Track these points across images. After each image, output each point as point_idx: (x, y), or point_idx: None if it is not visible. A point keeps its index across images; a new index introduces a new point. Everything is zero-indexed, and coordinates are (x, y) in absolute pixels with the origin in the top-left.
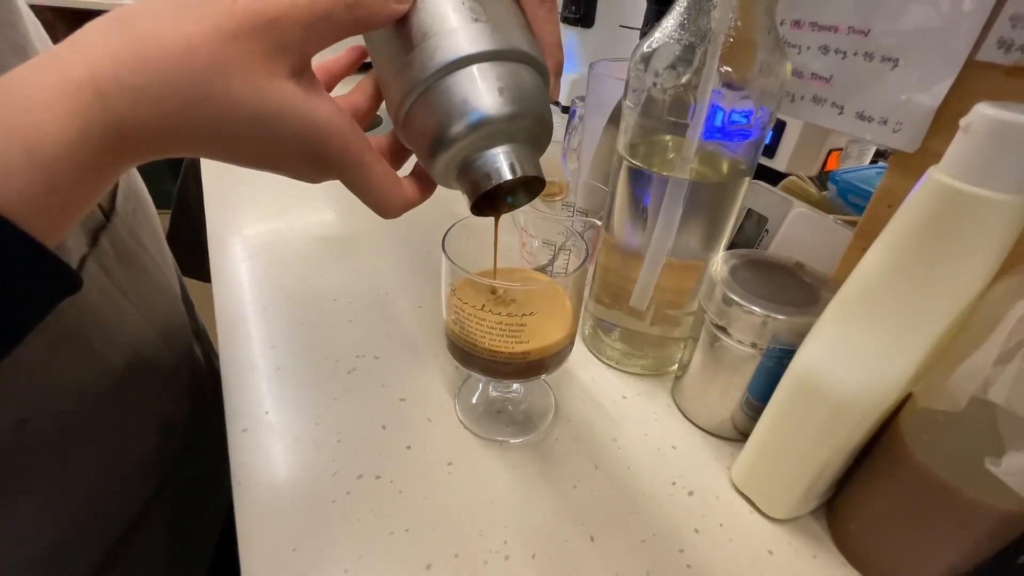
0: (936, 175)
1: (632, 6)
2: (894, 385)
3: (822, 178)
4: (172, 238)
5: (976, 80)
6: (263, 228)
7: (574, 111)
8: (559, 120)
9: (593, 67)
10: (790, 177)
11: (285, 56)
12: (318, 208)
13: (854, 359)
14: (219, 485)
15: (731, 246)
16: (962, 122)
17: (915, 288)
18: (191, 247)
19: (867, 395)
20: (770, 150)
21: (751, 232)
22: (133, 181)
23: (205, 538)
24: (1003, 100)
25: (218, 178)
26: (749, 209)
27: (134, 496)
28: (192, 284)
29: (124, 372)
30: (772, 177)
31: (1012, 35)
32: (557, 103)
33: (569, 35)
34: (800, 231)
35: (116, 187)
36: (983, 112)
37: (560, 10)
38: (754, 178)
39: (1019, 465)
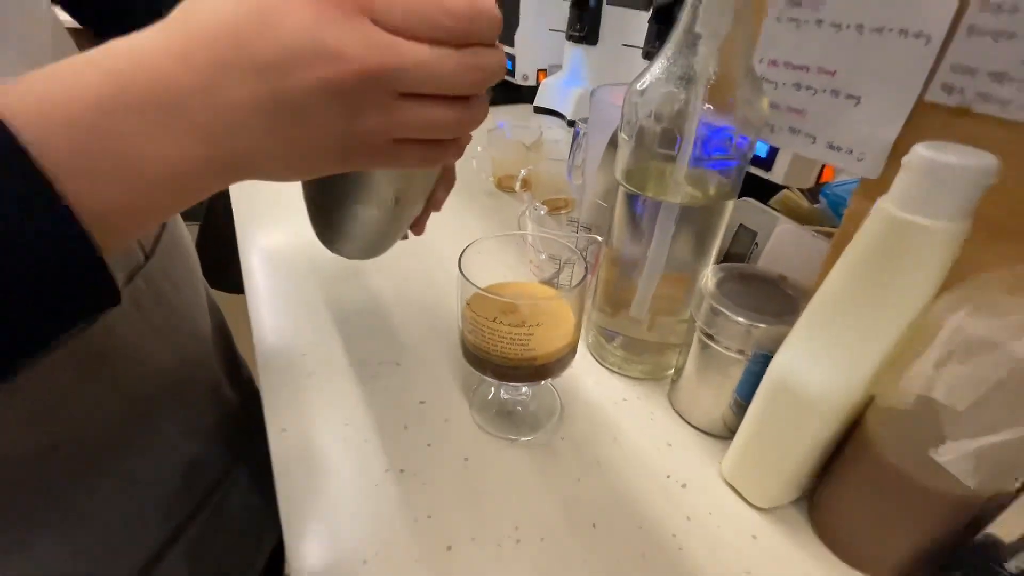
0: (883, 204)
1: (634, 26)
2: (855, 387)
3: (815, 191)
4: (199, 247)
5: (925, 118)
6: (290, 245)
7: (578, 131)
8: (565, 136)
9: (595, 93)
10: (784, 191)
11: None
12: None
13: (821, 364)
14: (247, 543)
15: (724, 258)
16: (903, 160)
17: (869, 303)
18: (217, 259)
19: (832, 395)
20: (767, 163)
21: (742, 245)
22: (175, 228)
23: (237, 569)
24: (948, 136)
25: (248, 198)
26: (741, 224)
27: (147, 539)
28: (218, 294)
29: (149, 408)
30: (770, 189)
31: (953, 80)
32: (561, 115)
33: (575, 52)
34: (785, 244)
35: (161, 230)
36: (919, 152)
37: (567, 28)
38: (752, 191)
39: (956, 453)
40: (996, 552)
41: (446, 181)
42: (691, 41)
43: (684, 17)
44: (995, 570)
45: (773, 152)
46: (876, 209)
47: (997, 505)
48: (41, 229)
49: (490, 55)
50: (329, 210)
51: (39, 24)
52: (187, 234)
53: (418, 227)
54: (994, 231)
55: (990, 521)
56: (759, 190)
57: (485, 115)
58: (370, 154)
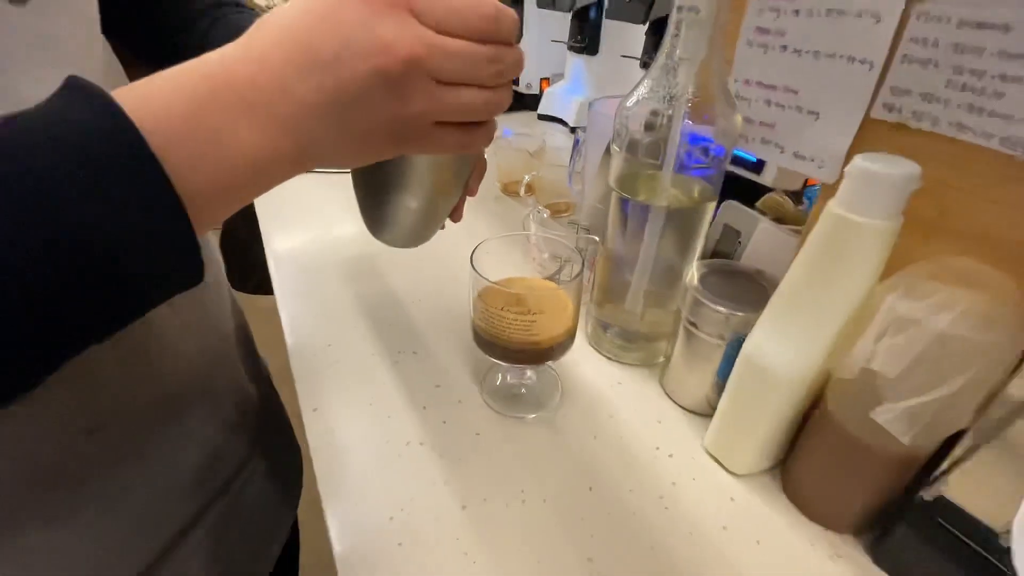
0: (830, 206)
1: (632, 37)
2: (811, 363)
3: (799, 193)
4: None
5: (871, 131)
6: (311, 247)
7: (578, 140)
8: (567, 143)
9: (592, 105)
10: (770, 194)
11: None
12: (359, 226)
13: (783, 345)
14: (262, 532)
15: (712, 255)
16: (845, 169)
17: (821, 290)
18: (237, 263)
19: (792, 371)
20: (758, 168)
21: (728, 244)
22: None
23: (252, 560)
24: (891, 148)
25: (271, 205)
26: (726, 224)
27: (174, 519)
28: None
29: (177, 395)
30: (760, 191)
31: (892, 100)
32: (564, 122)
33: (576, 62)
34: (765, 242)
35: None
36: (857, 163)
37: (568, 39)
38: (744, 193)
39: (891, 413)
40: (935, 504)
41: (478, 169)
42: (672, 66)
43: (665, 45)
44: (934, 520)
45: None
46: (825, 210)
47: (936, 464)
48: (149, 204)
49: (512, 51)
50: (379, 201)
51: (92, 49)
52: (212, 239)
53: (456, 213)
54: (928, 230)
55: (930, 479)
56: (750, 193)
57: (510, 100)
58: (416, 136)
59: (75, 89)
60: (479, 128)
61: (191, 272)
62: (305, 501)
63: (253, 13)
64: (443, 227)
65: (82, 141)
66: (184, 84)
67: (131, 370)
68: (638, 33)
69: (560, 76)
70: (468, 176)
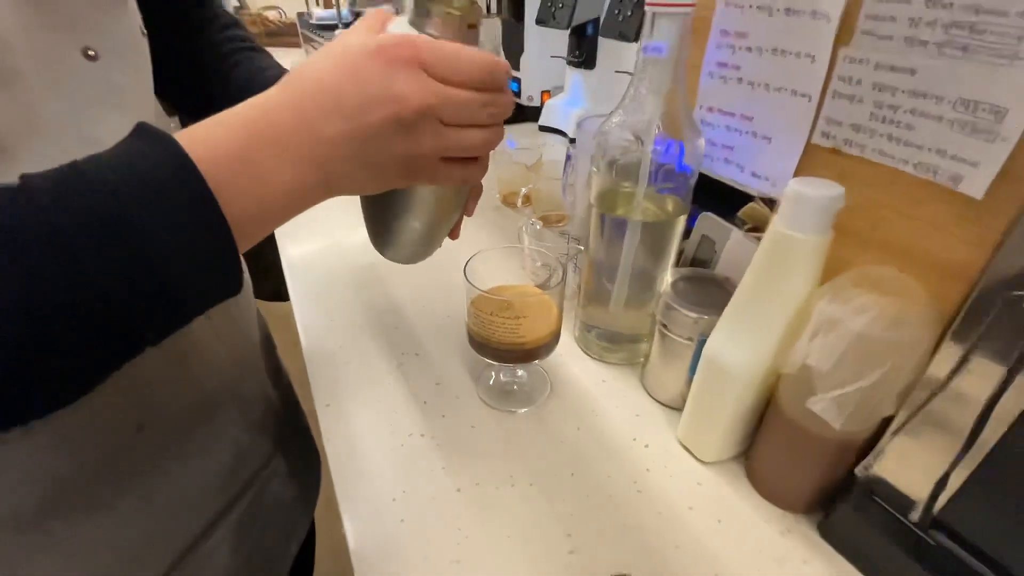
0: (774, 222)
1: (625, 54)
2: (761, 361)
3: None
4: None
5: (813, 155)
6: (323, 257)
7: (570, 155)
8: (564, 155)
9: (580, 124)
10: (750, 203)
11: None
12: (366, 238)
13: (737, 344)
14: (282, 530)
15: (691, 264)
16: (783, 191)
17: (767, 296)
18: (255, 270)
19: (745, 368)
20: None
21: (706, 253)
22: None
23: (270, 557)
24: (829, 170)
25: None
26: (703, 235)
27: (198, 515)
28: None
29: (211, 398)
30: (746, 198)
31: (828, 129)
32: (563, 133)
33: (575, 76)
34: (736, 250)
35: None
36: (791, 186)
37: (567, 54)
38: (730, 200)
39: (823, 402)
40: (869, 482)
41: (475, 192)
42: (641, 96)
43: (634, 78)
44: (869, 496)
45: None
46: (769, 227)
47: (870, 448)
48: (204, 227)
49: (504, 96)
50: (385, 224)
51: (149, 98)
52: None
53: (455, 232)
54: (862, 242)
55: (866, 461)
56: (737, 199)
57: (502, 137)
58: (424, 170)
59: (145, 133)
60: (476, 162)
61: (232, 284)
62: (320, 501)
63: (265, 53)
64: (440, 246)
65: (153, 176)
66: (232, 128)
67: (173, 372)
68: (631, 50)
69: (560, 89)
70: (465, 200)
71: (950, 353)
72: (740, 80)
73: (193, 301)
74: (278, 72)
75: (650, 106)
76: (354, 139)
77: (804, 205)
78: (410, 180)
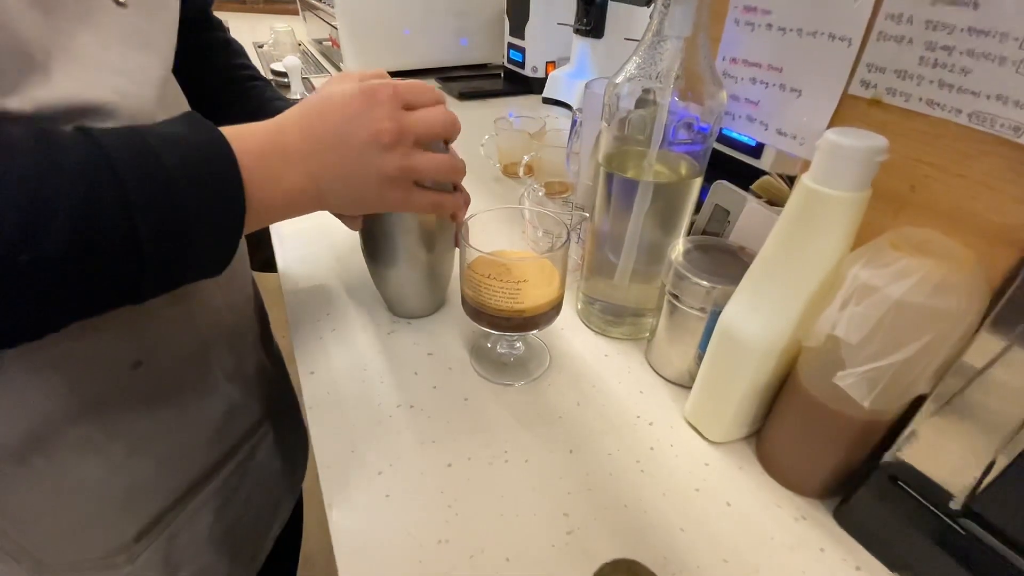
0: (802, 179)
1: (636, 20)
2: (782, 332)
3: (793, 177)
4: None
5: (849, 108)
6: (311, 226)
7: (576, 120)
8: (568, 125)
9: (588, 85)
10: (765, 177)
11: None
12: None
13: (757, 314)
14: (265, 503)
15: (703, 233)
16: (817, 143)
17: (793, 261)
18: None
19: (764, 340)
20: (756, 151)
21: (718, 223)
22: None
23: (253, 530)
24: (866, 124)
25: None
26: (716, 204)
27: (188, 469)
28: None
29: (206, 348)
30: (757, 174)
31: (869, 77)
32: (568, 106)
33: (582, 45)
34: (752, 220)
35: None
36: (827, 136)
37: (574, 22)
38: (740, 177)
39: (852, 378)
40: (895, 467)
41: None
42: (659, 42)
43: (653, 21)
44: (894, 482)
45: (761, 143)
46: (797, 184)
47: (901, 431)
48: (230, 202)
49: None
50: (390, 286)
51: (170, 48)
52: None
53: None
54: (899, 204)
55: (893, 444)
56: (748, 177)
57: (464, 165)
58: (397, 189)
59: (195, 119)
60: (446, 196)
61: (223, 260)
62: (310, 478)
63: (268, 84)
64: (444, 299)
65: (201, 153)
66: (257, 135)
67: (174, 312)
68: (642, 15)
69: (566, 59)
70: (453, 236)
71: (995, 330)
72: (770, 26)
73: (193, 266)
74: (284, 104)
75: (669, 53)
76: (341, 158)
77: (840, 157)
78: (386, 198)
